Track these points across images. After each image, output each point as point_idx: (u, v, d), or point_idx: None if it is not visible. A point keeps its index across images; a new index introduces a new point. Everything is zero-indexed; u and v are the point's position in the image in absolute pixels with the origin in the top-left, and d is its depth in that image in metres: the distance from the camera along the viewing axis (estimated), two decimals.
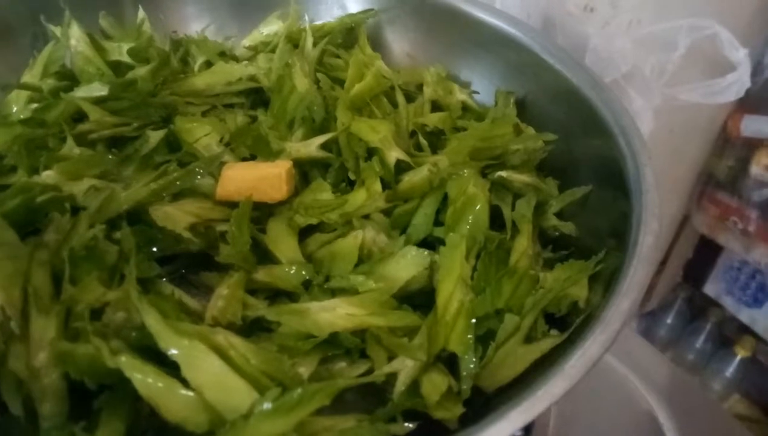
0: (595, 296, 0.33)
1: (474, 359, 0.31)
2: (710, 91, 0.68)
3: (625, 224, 0.34)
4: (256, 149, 0.43)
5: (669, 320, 1.17)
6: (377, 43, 0.56)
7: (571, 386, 0.25)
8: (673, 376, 0.62)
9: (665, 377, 0.61)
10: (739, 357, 1.04)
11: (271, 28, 0.56)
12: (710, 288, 1.08)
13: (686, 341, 1.13)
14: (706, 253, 1.07)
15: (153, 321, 0.29)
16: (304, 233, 0.40)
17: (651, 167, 0.35)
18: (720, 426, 0.57)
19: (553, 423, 0.44)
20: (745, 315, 1.02)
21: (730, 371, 1.05)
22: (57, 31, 0.50)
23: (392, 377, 0.31)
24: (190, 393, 0.27)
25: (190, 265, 0.38)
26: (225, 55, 0.54)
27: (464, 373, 0.31)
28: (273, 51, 0.52)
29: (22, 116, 0.44)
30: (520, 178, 0.40)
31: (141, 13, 0.54)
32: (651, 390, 0.57)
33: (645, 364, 0.60)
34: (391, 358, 0.32)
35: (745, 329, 1.04)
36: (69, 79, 0.49)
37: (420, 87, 0.51)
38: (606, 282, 0.32)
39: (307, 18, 0.55)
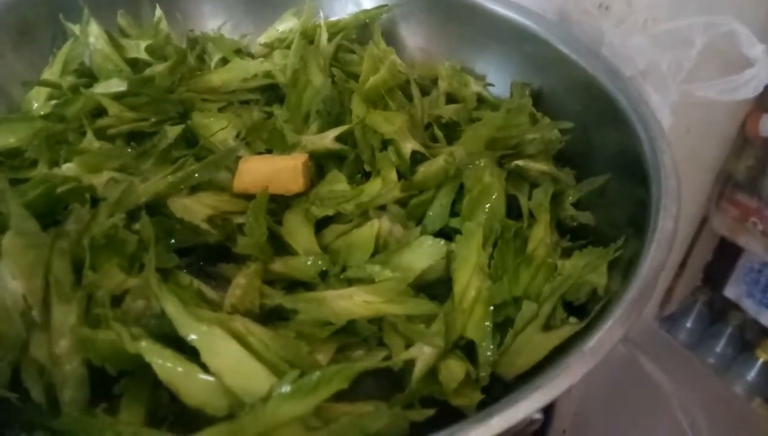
0: (614, 282, 0.32)
1: (492, 346, 0.31)
2: (727, 88, 0.67)
3: (644, 212, 0.34)
4: (271, 143, 0.44)
5: (689, 324, 1.15)
6: (391, 39, 0.56)
7: (590, 367, 0.24)
8: (697, 373, 0.61)
9: (690, 374, 0.60)
10: (761, 361, 1.02)
11: (286, 25, 0.56)
12: (730, 291, 1.07)
13: (707, 345, 1.12)
14: (726, 255, 1.06)
15: (172, 308, 0.29)
16: (320, 225, 0.40)
17: (670, 154, 0.35)
18: (747, 423, 0.56)
19: (573, 416, 0.43)
20: (766, 318, 1.01)
21: (751, 375, 1.03)
22: (76, 29, 0.51)
23: (410, 364, 0.31)
24: (210, 378, 0.27)
25: (207, 257, 0.38)
26: (241, 52, 0.55)
27: (482, 360, 0.31)
28: (288, 47, 0.53)
29: (42, 113, 0.45)
30: (536, 167, 0.40)
31: (158, 12, 0.55)
32: (676, 387, 0.56)
33: (669, 361, 0.59)
34: (408, 346, 0.32)
35: (766, 333, 1.02)
36: (88, 76, 0.50)
37: (435, 81, 0.51)
38: (625, 268, 0.32)
39: (321, 14, 0.55)
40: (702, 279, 1.13)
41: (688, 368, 0.61)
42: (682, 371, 0.59)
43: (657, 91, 0.66)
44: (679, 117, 0.66)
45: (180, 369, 0.27)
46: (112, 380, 0.29)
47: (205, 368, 0.27)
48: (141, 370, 0.28)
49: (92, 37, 0.50)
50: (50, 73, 0.49)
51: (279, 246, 0.38)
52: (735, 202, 0.96)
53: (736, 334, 1.09)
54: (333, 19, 0.56)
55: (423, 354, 0.31)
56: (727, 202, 0.98)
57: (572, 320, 0.32)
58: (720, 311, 1.12)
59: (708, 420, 0.51)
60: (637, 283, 0.28)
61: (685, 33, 0.62)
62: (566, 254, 0.36)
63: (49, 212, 0.35)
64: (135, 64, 0.51)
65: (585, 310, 0.33)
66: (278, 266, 0.37)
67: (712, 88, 0.67)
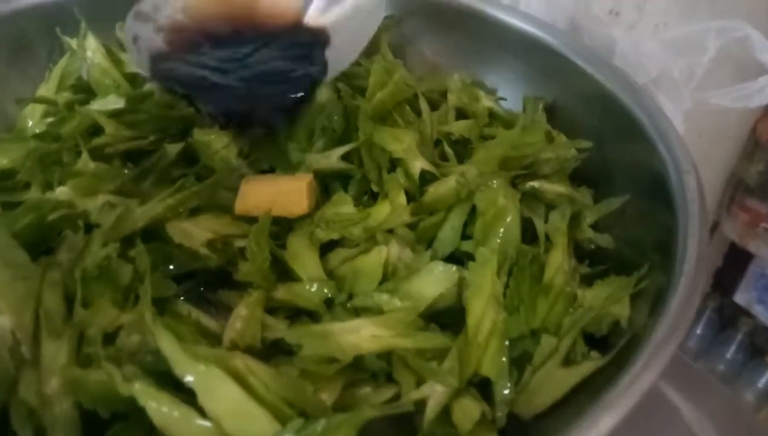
0: (638, 314, 0.31)
1: (509, 384, 0.30)
2: (741, 95, 0.65)
3: (669, 236, 0.32)
4: (275, 162, 0.42)
5: (698, 331, 1.13)
6: (399, 51, 0.54)
7: (620, 418, 0.22)
8: (706, 384, 0.59)
9: (698, 384, 0.58)
10: None
11: None
12: (741, 297, 1.05)
13: (717, 352, 1.10)
14: (736, 261, 1.04)
15: (168, 345, 0.27)
16: (325, 249, 0.38)
17: (695, 174, 0.33)
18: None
19: None
20: None
21: (762, 382, 1.02)
22: (73, 43, 0.49)
23: (421, 403, 0.29)
24: (207, 423, 0.26)
25: (207, 282, 0.37)
26: None
27: (498, 399, 0.29)
28: None
29: (37, 130, 0.43)
30: (552, 188, 0.38)
31: None
32: (685, 399, 0.54)
33: (678, 373, 0.57)
34: (419, 382, 0.30)
35: None
36: (85, 91, 0.48)
37: (444, 94, 0.49)
38: (651, 300, 0.30)
39: None
40: (712, 285, 1.11)
41: (696, 378, 0.59)
42: (691, 382, 0.57)
43: (670, 99, 0.64)
44: (691, 123, 0.64)
45: (176, 414, 0.26)
46: (105, 424, 0.27)
47: (202, 412, 0.26)
48: (135, 413, 0.26)
49: (90, 51, 0.48)
50: (46, 89, 0.48)
51: (282, 271, 0.36)
52: (745, 207, 0.95)
53: (747, 341, 1.08)
54: None
55: (435, 393, 0.29)
56: (738, 207, 0.97)
57: (594, 354, 0.30)
58: (730, 317, 1.11)
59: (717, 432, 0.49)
60: (667, 320, 0.26)
61: (697, 38, 0.61)
62: (585, 281, 0.35)
63: (41, 240, 0.33)
64: (134, 79, 0.49)
65: (607, 342, 0.31)
66: (281, 292, 0.35)
67: (726, 96, 0.65)
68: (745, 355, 1.07)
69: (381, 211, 0.38)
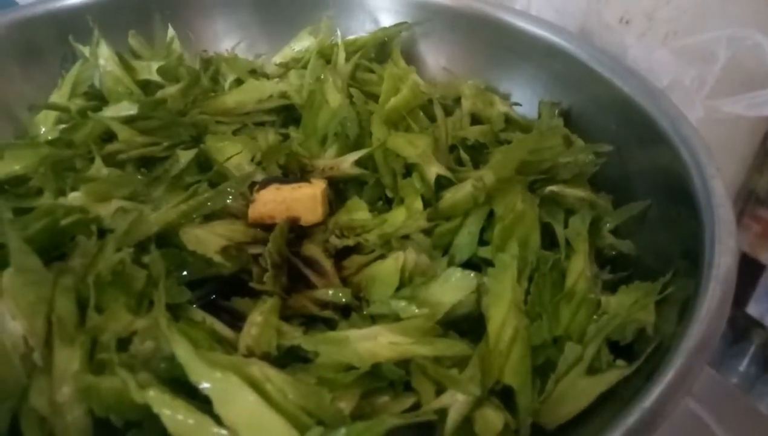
0: (665, 322, 0.30)
1: (532, 393, 0.29)
2: (754, 103, 0.64)
3: (694, 243, 0.31)
4: (288, 167, 0.42)
5: None
6: (412, 57, 0.54)
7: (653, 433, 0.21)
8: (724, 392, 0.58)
9: (716, 393, 0.56)
10: None
11: (302, 44, 0.54)
12: (753, 308, 1.03)
13: (729, 364, 1.08)
14: (748, 272, 1.03)
15: (183, 352, 0.26)
16: (340, 255, 0.37)
17: (720, 179, 0.32)
18: None
19: None
20: None
21: None
22: (86, 50, 0.49)
23: (442, 412, 0.28)
24: (224, 431, 0.25)
25: (221, 289, 0.36)
26: (255, 72, 0.53)
27: (522, 408, 0.28)
28: (305, 67, 0.51)
29: (50, 137, 0.43)
30: (572, 193, 0.37)
31: (170, 32, 0.53)
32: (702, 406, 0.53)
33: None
34: (439, 391, 0.29)
35: None
36: (98, 99, 0.48)
37: (458, 100, 0.49)
38: (678, 307, 0.29)
39: (339, 33, 0.53)
40: None
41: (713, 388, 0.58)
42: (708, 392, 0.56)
43: (681, 108, 0.64)
44: (702, 131, 0.64)
45: (191, 421, 0.25)
46: (118, 432, 0.26)
47: (218, 420, 0.25)
48: (149, 421, 0.26)
49: (102, 58, 0.48)
50: (59, 96, 0.48)
51: (296, 278, 0.36)
52: (757, 218, 0.94)
53: (760, 353, 1.05)
54: (350, 37, 0.54)
55: (456, 402, 0.28)
56: (749, 218, 0.95)
57: (620, 362, 0.29)
58: (743, 329, 1.09)
59: None
60: (698, 327, 0.25)
61: (708, 47, 0.60)
62: (607, 287, 0.34)
63: (54, 246, 0.32)
64: (147, 86, 0.49)
65: (633, 351, 0.30)
66: (296, 300, 0.34)
67: (738, 104, 0.65)
68: (759, 367, 1.05)
69: (397, 217, 0.37)
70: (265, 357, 0.30)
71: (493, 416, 0.28)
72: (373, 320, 0.33)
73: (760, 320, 1.02)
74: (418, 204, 0.37)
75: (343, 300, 0.34)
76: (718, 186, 0.32)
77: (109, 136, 0.43)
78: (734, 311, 1.08)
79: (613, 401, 0.28)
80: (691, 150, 0.35)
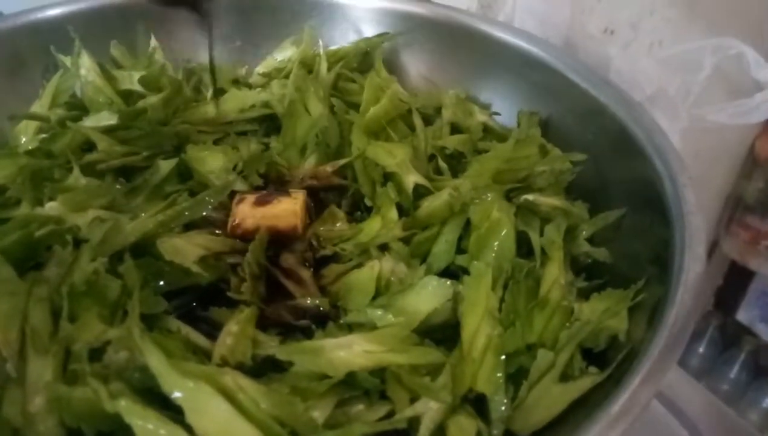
0: (636, 329, 0.30)
1: (505, 400, 0.29)
2: (738, 112, 0.65)
3: (665, 250, 0.31)
4: (268, 177, 0.42)
5: (701, 350, 1.12)
6: (394, 67, 0.54)
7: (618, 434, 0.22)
8: (708, 404, 0.58)
9: (700, 405, 0.57)
10: None
11: (285, 54, 0.55)
12: (743, 315, 1.04)
13: (720, 371, 1.08)
14: (737, 279, 1.03)
15: (155, 361, 0.26)
16: (318, 264, 0.37)
17: (692, 188, 0.33)
18: None
19: None
20: None
21: (766, 402, 1.00)
22: (67, 60, 0.49)
23: (415, 420, 0.28)
24: None
25: (199, 299, 0.36)
26: (238, 82, 0.53)
27: (494, 416, 0.28)
28: (287, 77, 0.51)
29: (30, 147, 0.43)
30: (547, 201, 0.38)
31: (153, 42, 0.53)
32: (684, 419, 0.53)
33: (678, 391, 0.56)
34: (413, 399, 0.30)
35: None
36: (79, 109, 0.48)
37: (438, 110, 0.49)
38: (649, 314, 0.29)
39: (321, 43, 0.54)
40: (713, 304, 1.10)
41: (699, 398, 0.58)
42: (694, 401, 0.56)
43: (666, 117, 0.64)
44: (689, 142, 0.64)
45: (162, 432, 0.25)
46: None
47: (190, 430, 0.25)
48: (121, 431, 0.25)
49: (84, 68, 0.48)
50: (39, 106, 0.48)
51: (275, 288, 0.36)
52: (745, 225, 0.94)
53: (750, 360, 1.06)
54: (333, 47, 0.55)
55: (429, 410, 0.28)
56: (738, 225, 0.96)
57: (592, 369, 0.30)
58: (733, 336, 1.09)
59: None
60: (665, 332, 0.25)
61: (692, 56, 0.61)
62: (582, 295, 0.34)
63: (29, 256, 0.32)
64: (129, 96, 0.49)
65: (605, 357, 0.31)
66: (274, 309, 0.35)
67: (723, 113, 0.65)
68: (749, 374, 1.05)
69: (372, 227, 0.38)
70: (240, 367, 0.30)
71: (466, 424, 0.28)
72: (350, 328, 0.33)
73: (750, 327, 1.02)
74: (393, 214, 0.38)
75: (321, 309, 0.34)
76: (689, 195, 0.32)
77: (89, 147, 0.43)
78: (724, 318, 1.08)
79: (585, 406, 0.28)
80: (664, 159, 0.35)
